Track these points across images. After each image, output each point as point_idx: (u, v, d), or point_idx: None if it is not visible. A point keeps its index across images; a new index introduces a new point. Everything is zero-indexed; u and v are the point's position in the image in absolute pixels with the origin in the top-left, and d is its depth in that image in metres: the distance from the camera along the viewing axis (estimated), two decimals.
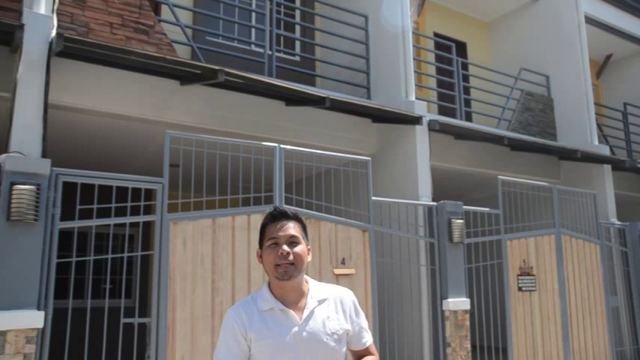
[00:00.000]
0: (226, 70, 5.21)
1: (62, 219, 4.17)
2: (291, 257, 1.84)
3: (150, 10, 5.72)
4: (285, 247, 1.85)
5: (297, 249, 1.87)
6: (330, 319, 1.88)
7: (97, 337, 4.25)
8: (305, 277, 1.96)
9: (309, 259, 1.94)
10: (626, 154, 10.87)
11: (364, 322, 1.98)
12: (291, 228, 1.89)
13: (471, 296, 6.69)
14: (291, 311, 1.86)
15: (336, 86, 7.74)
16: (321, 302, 1.91)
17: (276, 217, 1.91)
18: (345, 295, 1.98)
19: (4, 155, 4.07)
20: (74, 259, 4.33)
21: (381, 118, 7.05)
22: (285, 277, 1.84)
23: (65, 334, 4.20)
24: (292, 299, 1.89)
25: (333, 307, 1.92)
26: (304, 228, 1.96)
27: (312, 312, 1.87)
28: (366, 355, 1.97)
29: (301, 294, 1.91)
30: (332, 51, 8.00)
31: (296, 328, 1.83)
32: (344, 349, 1.91)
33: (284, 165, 5.21)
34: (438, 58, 9.80)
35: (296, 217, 1.94)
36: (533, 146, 8.27)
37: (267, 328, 1.83)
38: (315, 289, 1.94)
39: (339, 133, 6.99)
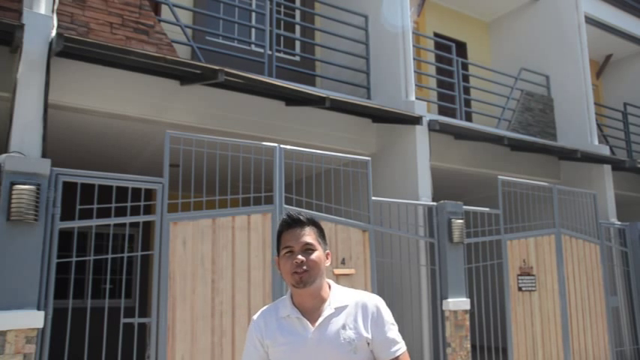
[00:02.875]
0: (226, 70, 5.21)
1: (62, 219, 4.17)
2: (305, 266, 1.82)
3: (150, 10, 5.72)
4: (300, 257, 1.82)
5: (313, 256, 1.84)
6: (346, 327, 1.83)
7: (97, 337, 4.25)
8: (328, 282, 1.93)
9: (328, 263, 1.90)
10: (626, 154, 10.87)
11: (392, 331, 1.86)
12: (306, 235, 1.86)
13: (471, 296, 6.69)
14: (305, 319, 1.84)
15: (336, 86, 7.74)
16: (338, 309, 1.86)
17: (291, 224, 1.88)
18: (369, 302, 1.89)
19: (4, 155, 4.07)
20: (74, 259, 4.33)
21: (381, 118, 7.05)
22: (300, 285, 1.82)
23: (65, 334, 4.20)
24: (311, 306, 1.87)
25: (352, 315, 1.85)
26: (321, 232, 1.93)
27: (326, 320, 1.84)
28: None
29: (321, 300, 1.87)
30: (332, 51, 8.00)
31: (309, 336, 1.82)
32: (363, 358, 1.83)
33: (284, 165, 5.21)
34: (438, 58, 9.79)
35: (311, 222, 1.91)
36: (533, 146, 8.27)
37: (282, 335, 1.84)
38: (336, 296, 1.89)
39: (339, 133, 6.99)
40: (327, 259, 1.91)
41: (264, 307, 1.97)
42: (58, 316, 4.12)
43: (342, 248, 5.47)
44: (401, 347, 1.86)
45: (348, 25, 7.77)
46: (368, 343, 1.83)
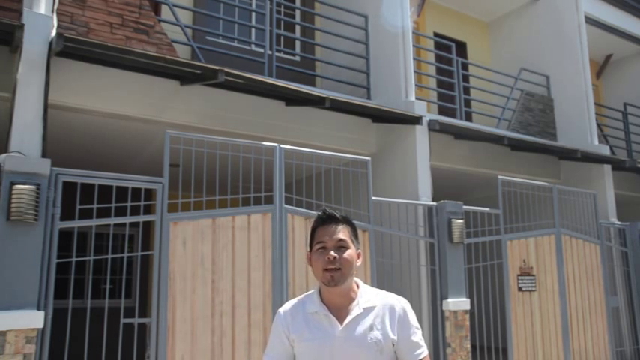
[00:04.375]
0: (226, 70, 5.21)
1: (62, 219, 4.17)
2: (338, 263, 1.83)
3: (150, 10, 5.72)
4: (333, 253, 1.83)
5: (346, 254, 1.85)
6: (373, 327, 1.84)
7: (97, 337, 4.25)
8: (357, 280, 1.94)
9: (359, 262, 1.91)
10: (626, 154, 10.87)
11: (416, 335, 1.89)
12: (340, 232, 1.87)
13: (471, 296, 6.69)
14: (334, 317, 1.85)
15: (336, 86, 7.74)
16: (366, 310, 1.87)
17: (325, 220, 1.90)
18: (396, 304, 1.91)
19: (4, 155, 4.07)
20: (74, 259, 4.33)
21: (381, 118, 7.05)
22: (332, 284, 1.83)
23: (65, 334, 4.20)
24: (339, 304, 1.88)
25: (380, 316, 1.87)
26: (354, 231, 1.94)
27: (354, 319, 1.85)
28: None
29: (349, 299, 1.89)
30: (332, 51, 8.00)
31: (336, 334, 1.83)
32: (388, 359, 1.85)
33: (284, 165, 5.21)
34: (438, 58, 9.79)
35: (346, 221, 1.92)
36: (533, 146, 8.27)
37: (309, 330, 1.85)
38: (364, 296, 1.90)
39: (339, 133, 6.99)
40: (359, 258, 1.91)
41: (291, 301, 1.98)
42: (58, 316, 4.12)
43: None
44: (424, 351, 1.89)
45: (348, 25, 7.77)
46: (393, 344, 1.85)
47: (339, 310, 1.87)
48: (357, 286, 1.93)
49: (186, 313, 4.52)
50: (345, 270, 1.84)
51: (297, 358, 1.87)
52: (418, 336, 1.90)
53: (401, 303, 1.92)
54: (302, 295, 1.99)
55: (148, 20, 5.66)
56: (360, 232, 5.59)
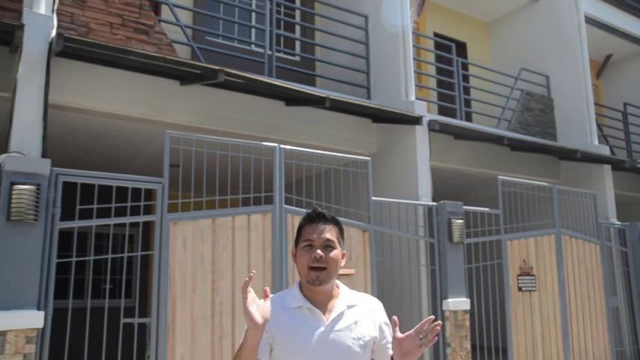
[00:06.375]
0: (226, 70, 5.21)
1: (62, 219, 4.17)
2: (324, 262, 1.84)
3: (150, 10, 5.72)
4: (319, 251, 1.84)
5: (332, 254, 1.86)
6: (357, 324, 1.88)
7: (97, 337, 4.25)
8: (337, 282, 1.96)
9: (343, 263, 1.93)
10: (626, 154, 10.87)
11: (389, 334, 1.96)
12: (327, 231, 1.89)
13: (471, 296, 6.69)
14: (319, 311, 1.86)
15: (336, 86, 7.73)
16: (350, 307, 1.91)
17: (314, 218, 1.91)
18: (377, 304, 1.99)
19: (4, 155, 4.07)
20: (74, 259, 4.33)
21: (381, 118, 7.05)
22: (316, 283, 1.84)
23: (65, 334, 4.20)
24: (321, 301, 1.89)
25: (362, 314, 1.91)
26: (341, 232, 1.96)
27: (340, 315, 1.87)
28: None
29: (330, 297, 1.91)
30: (332, 51, 8.00)
31: (322, 328, 1.84)
32: (369, 356, 1.89)
33: (284, 165, 5.21)
34: (438, 58, 9.79)
35: (334, 221, 1.93)
36: (533, 146, 8.27)
37: (292, 325, 1.84)
38: (346, 295, 1.94)
39: (339, 133, 6.98)
40: (343, 259, 1.93)
41: (271, 295, 1.96)
42: (58, 316, 4.12)
43: None
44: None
45: (348, 25, 7.77)
46: (374, 342, 1.91)
47: (320, 306, 1.88)
48: (337, 287, 1.97)
49: (186, 313, 4.52)
50: (330, 269, 1.85)
51: (277, 352, 1.83)
52: (390, 335, 1.95)
53: (377, 303, 2.00)
54: (280, 292, 1.99)
55: (148, 20, 5.66)
56: (360, 232, 5.63)
